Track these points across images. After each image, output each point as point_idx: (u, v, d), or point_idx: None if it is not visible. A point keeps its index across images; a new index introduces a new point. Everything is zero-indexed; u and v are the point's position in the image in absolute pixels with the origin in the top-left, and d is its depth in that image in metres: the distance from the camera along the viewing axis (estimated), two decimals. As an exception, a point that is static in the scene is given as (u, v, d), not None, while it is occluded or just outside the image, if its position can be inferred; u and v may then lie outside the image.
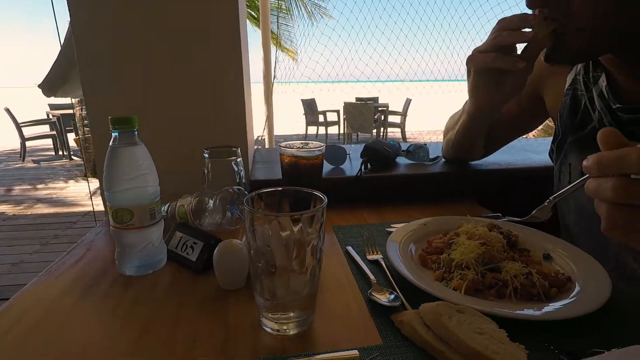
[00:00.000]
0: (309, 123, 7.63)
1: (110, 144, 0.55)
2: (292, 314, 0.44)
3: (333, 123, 7.63)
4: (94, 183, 3.77)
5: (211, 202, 0.68)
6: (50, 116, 6.55)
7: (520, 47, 0.62)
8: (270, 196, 0.46)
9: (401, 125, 7.30)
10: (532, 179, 0.95)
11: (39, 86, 2.98)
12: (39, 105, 7.56)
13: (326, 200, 0.42)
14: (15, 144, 6.50)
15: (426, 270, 0.57)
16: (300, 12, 6.65)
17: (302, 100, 7.30)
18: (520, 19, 0.58)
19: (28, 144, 6.22)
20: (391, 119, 7.44)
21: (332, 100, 6.72)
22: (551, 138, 0.76)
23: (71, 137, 5.99)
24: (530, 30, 0.58)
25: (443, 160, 1.01)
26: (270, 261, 0.41)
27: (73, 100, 3.95)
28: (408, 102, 7.24)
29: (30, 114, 6.97)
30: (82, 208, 3.85)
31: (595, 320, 0.45)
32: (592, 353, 0.38)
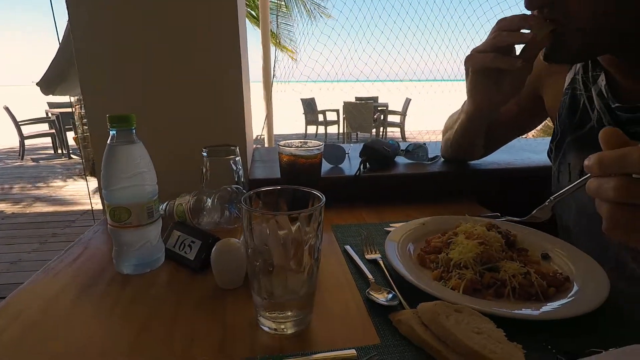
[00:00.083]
0: (308, 122, 7.63)
1: (108, 142, 0.55)
2: (289, 313, 0.44)
3: (332, 122, 7.62)
4: (93, 182, 3.77)
5: (209, 201, 0.68)
6: (50, 114, 6.54)
7: (518, 48, 0.62)
8: (268, 195, 0.46)
9: (401, 125, 7.30)
10: (531, 178, 0.95)
11: (38, 84, 2.97)
12: (38, 104, 7.55)
13: (324, 199, 0.42)
14: (14, 143, 6.49)
15: (424, 270, 0.57)
16: (300, 11, 6.64)
17: (301, 99, 7.30)
18: (520, 20, 0.58)
19: (27, 142, 6.21)
20: (391, 118, 7.44)
21: (332, 99, 6.72)
22: (550, 138, 0.76)
23: (70, 135, 5.98)
24: (529, 31, 0.58)
25: (442, 159, 1.01)
26: (267, 260, 0.41)
27: (72, 98, 3.94)
28: (407, 102, 7.24)
29: (29, 112, 6.96)
30: (81, 207, 3.85)
31: (593, 320, 0.45)
32: (590, 353, 0.38)
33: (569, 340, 0.43)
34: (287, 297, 0.43)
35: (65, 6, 0.81)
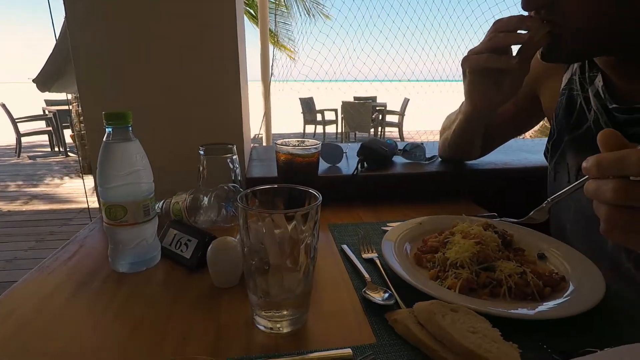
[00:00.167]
0: (307, 122, 7.62)
1: (104, 139, 0.55)
2: (285, 312, 0.44)
3: (331, 122, 7.62)
4: (90, 180, 3.75)
5: (206, 199, 0.68)
6: (47, 112, 6.51)
7: (515, 48, 0.62)
8: (264, 194, 0.45)
9: (399, 125, 7.31)
10: (528, 178, 0.95)
11: (34, 81, 2.95)
12: (35, 101, 7.51)
13: (320, 198, 0.42)
14: (11, 140, 6.46)
15: (421, 269, 0.57)
16: (299, 10, 6.63)
17: (300, 98, 7.29)
18: (517, 21, 0.58)
19: (24, 139, 6.18)
20: (389, 118, 7.45)
21: (330, 99, 6.72)
22: (547, 138, 0.76)
23: (67, 133, 5.96)
24: (525, 32, 0.58)
25: (439, 159, 1.01)
26: (263, 259, 0.41)
27: (69, 96, 3.93)
28: (406, 102, 7.24)
29: (26, 109, 6.93)
30: (78, 205, 3.83)
31: (589, 319, 0.45)
32: (585, 352, 0.38)
33: (565, 340, 0.43)
34: (283, 296, 0.43)
35: (63, 2, 0.80)
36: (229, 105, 0.88)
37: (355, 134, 7.25)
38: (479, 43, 0.64)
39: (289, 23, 6.55)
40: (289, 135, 7.54)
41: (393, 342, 0.43)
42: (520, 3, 0.56)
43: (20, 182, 4.66)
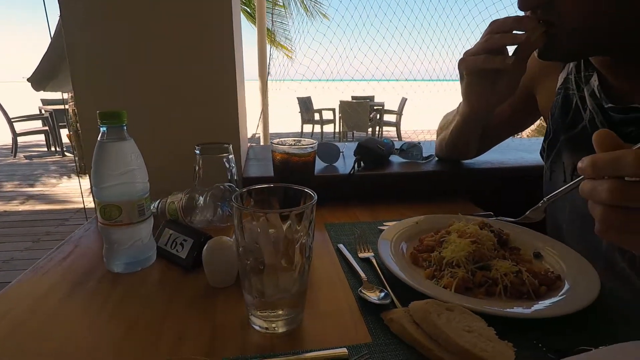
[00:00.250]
0: (304, 121, 7.62)
1: (99, 139, 0.54)
2: (281, 312, 0.44)
3: (329, 121, 7.61)
4: (86, 179, 3.74)
5: (202, 199, 0.68)
6: (43, 111, 6.47)
7: (511, 49, 0.62)
8: (259, 193, 0.45)
9: (396, 124, 7.31)
10: (525, 178, 0.95)
11: (28, 80, 2.93)
12: (31, 100, 7.47)
13: (316, 197, 0.42)
14: (7, 140, 6.42)
15: (417, 269, 0.57)
16: (298, 8, 6.62)
17: (297, 98, 7.28)
18: (514, 21, 0.58)
19: (20, 139, 6.14)
20: (387, 117, 7.45)
21: (328, 98, 6.71)
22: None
23: (64, 132, 5.93)
24: (521, 32, 0.58)
25: (436, 159, 1.01)
26: (258, 259, 0.41)
27: (66, 95, 3.91)
28: (403, 102, 7.25)
29: (22, 109, 6.89)
30: (74, 205, 3.82)
31: (583, 318, 0.46)
32: (580, 351, 0.38)
33: (560, 338, 0.43)
34: (278, 296, 0.43)
35: (57, 1, 0.80)
36: (225, 104, 0.88)
37: (353, 133, 7.25)
38: (475, 44, 0.64)
39: (286, 23, 6.54)
40: (287, 135, 7.53)
41: (389, 342, 0.43)
42: (516, 3, 0.56)
43: (17, 182, 4.64)
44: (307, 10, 6.69)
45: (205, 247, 0.53)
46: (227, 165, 0.73)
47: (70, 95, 3.82)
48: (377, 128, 7.26)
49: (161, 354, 0.42)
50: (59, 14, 0.81)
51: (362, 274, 0.55)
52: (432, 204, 0.87)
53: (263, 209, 0.44)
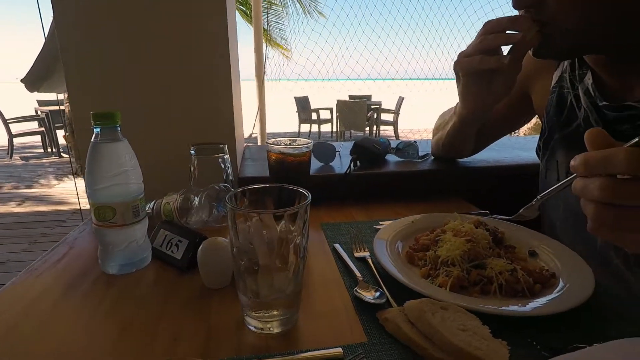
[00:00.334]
0: (302, 121, 7.61)
1: (92, 139, 0.54)
2: (275, 313, 0.43)
3: (326, 121, 7.62)
4: (82, 181, 3.72)
5: (197, 199, 0.68)
6: (39, 112, 6.44)
7: (505, 49, 0.62)
8: (254, 193, 0.45)
9: (394, 123, 7.32)
10: (521, 176, 0.95)
11: (22, 81, 2.91)
12: (27, 101, 7.43)
13: (310, 197, 0.42)
14: (3, 141, 6.39)
15: (413, 268, 0.57)
16: (295, 7, 6.61)
17: (295, 97, 7.28)
18: (507, 22, 0.58)
19: (16, 140, 6.11)
20: (384, 116, 7.45)
21: (325, 98, 6.71)
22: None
23: (60, 134, 5.90)
24: (515, 32, 0.58)
25: (432, 157, 1.01)
26: (253, 259, 0.41)
27: (59, 96, 3.88)
28: (401, 100, 7.25)
29: (18, 110, 6.85)
30: (71, 206, 3.80)
31: (578, 316, 0.46)
32: (574, 348, 0.38)
33: (554, 336, 0.44)
34: (273, 297, 0.43)
35: (50, 2, 0.79)
36: (220, 104, 0.87)
37: (350, 132, 7.25)
38: (469, 45, 0.64)
39: (282, 22, 6.53)
40: (284, 135, 7.53)
41: (384, 341, 0.43)
42: (511, 2, 0.56)
43: (13, 184, 4.61)
44: (304, 8, 6.68)
45: (200, 248, 0.53)
46: (223, 166, 0.73)
47: (66, 96, 3.80)
48: (375, 127, 7.26)
49: (156, 355, 0.41)
50: (52, 15, 0.81)
51: (358, 274, 0.55)
52: (428, 202, 0.87)
53: (257, 209, 0.44)
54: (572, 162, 0.35)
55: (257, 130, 3.46)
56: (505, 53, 0.62)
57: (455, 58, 0.67)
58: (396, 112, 7.25)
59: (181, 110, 0.87)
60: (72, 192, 4.17)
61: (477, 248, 0.55)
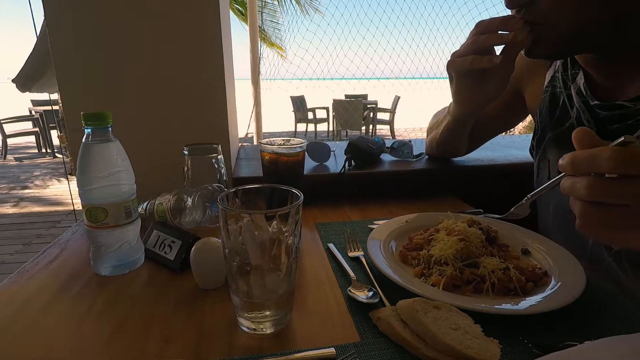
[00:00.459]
0: (298, 120, 7.61)
1: (83, 140, 0.54)
2: (268, 313, 0.43)
3: (322, 120, 7.61)
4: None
5: (190, 200, 0.67)
6: (33, 112, 6.39)
7: (498, 48, 0.62)
8: (246, 194, 0.45)
9: (390, 122, 7.33)
10: (515, 175, 0.95)
11: (13, 81, 2.88)
12: (20, 101, 7.37)
13: (302, 197, 0.42)
14: (-4, 142, 6.33)
15: (406, 267, 0.57)
16: (292, 4, 6.58)
17: (291, 97, 7.27)
18: (500, 22, 0.58)
19: (10, 141, 6.07)
20: (380, 116, 7.46)
21: (322, 97, 6.70)
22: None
23: (55, 134, 5.86)
24: (508, 33, 0.58)
25: (427, 157, 1.02)
26: (244, 260, 0.41)
27: (57, 96, 3.85)
28: (397, 100, 7.26)
29: (11, 110, 6.79)
30: (66, 207, 3.78)
31: (569, 313, 0.46)
32: (566, 346, 0.38)
33: (546, 334, 0.44)
34: (265, 297, 0.43)
35: (42, 2, 0.78)
36: (214, 104, 0.87)
37: (347, 132, 7.25)
38: (461, 45, 0.64)
39: (276, 21, 6.51)
40: (280, 134, 7.51)
41: (376, 341, 0.43)
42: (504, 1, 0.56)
43: (7, 185, 4.58)
44: (301, 5, 6.66)
45: (193, 249, 0.53)
46: (216, 166, 0.72)
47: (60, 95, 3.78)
48: (371, 126, 7.27)
49: (147, 357, 0.41)
50: (43, 15, 0.80)
51: (352, 273, 0.55)
52: (423, 201, 0.87)
53: (249, 210, 0.44)
54: (560, 161, 0.36)
55: (253, 130, 3.45)
56: (497, 53, 0.62)
57: (448, 60, 0.68)
58: (392, 112, 7.26)
59: (174, 111, 0.86)
60: (66, 192, 4.15)
61: (470, 247, 0.55)
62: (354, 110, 6.58)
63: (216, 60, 0.84)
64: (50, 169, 5.33)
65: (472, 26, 0.62)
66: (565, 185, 0.36)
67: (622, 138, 0.32)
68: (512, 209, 0.53)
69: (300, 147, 0.68)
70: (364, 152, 0.95)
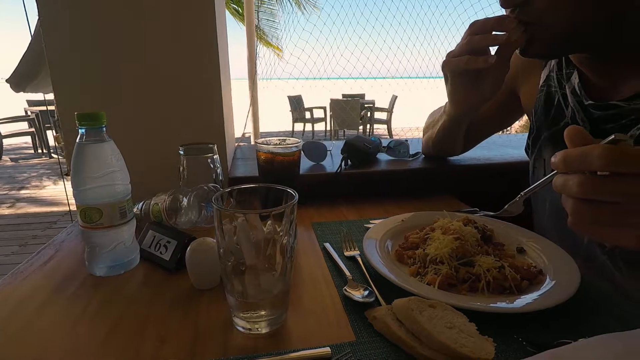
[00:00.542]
0: (295, 120, 7.60)
1: (77, 140, 0.53)
2: (263, 313, 0.43)
3: (320, 120, 7.61)
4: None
5: (185, 200, 0.67)
6: (29, 113, 6.35)
7: (492, 48, 0.62)
8: (241, 194, 0.45)
9: (387, 122, 7.33)
10: (511, 174, 0.96)
11: (7, 81, 2.86)
12: (16, 102, 7.33)
13: (297, 197, 0.42)
14: (-8, 142, 6.29)
15: (402, 266, 0.57)
16: (290, 3, 6.57)
17: (288, 96, 7.27)
18: (495, 23, 0.58)
19: (5, 141, 6.02)
20: (378, 115, 7.47)
21: (319, 96, 6.70)
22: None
23: (51, 134, 5.83)
24: (501, 33, 0.58)
25: (423, 156, 1.02)
26: (239, 260, 0.40)
27: (50, 96, 3.83)
28: (394, 99, 7.27)
29: (7, 110, 6.75)
30: (62, 207, 3.75)
31: (564, 311, 0.46)
32: (560, 344, 0.38)
33: (540, 332, 0.44)
34: (260, 297, 0.43)
35: (36, 2, 0.78)
36: (209, 103, 0.87)
37: (344, 131, 7.25)
38: (456, 45, 0.64)
39: (276, 21, 6.50)
40: (278, 134, 7.50)
41: (372, 340, 0.43)
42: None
43: (2, 185, 4.55)
44: (299, 3, 6.65)
45: (188, 249, 0.53)
46: (212, 166, 0.72)
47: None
48: (368, 126, 7.27)
49: (143, 357, 0.41)
50: (38, 14, 0.80)
51: (348, 273, 0.55)
52: (419, 201, 0.87)
53: (244, 209, 0.44)
54: (552, 159, 0.36)
55: (250, 129, 3.44)
56: (492, 53, 0.62)
57: (443, 60, 0.68)
58: (390, 111, 7.27)
59: (170, 110, 0.86)
60: (63, 193, 4.12)
61: (465, 246, 0.55)
62: (351, 109, 6.58)
63: (212, 60, 0.84)
64: (47, 170, 5.30)
65: (468, 25, 0.62)
66: (558, 183, 0.36)
67: (613, 136, 0.33)
68: (506, 206, 0.53)
69: (295, 146, 0.68)
70: (360, 151, 0.95)
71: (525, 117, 0.93)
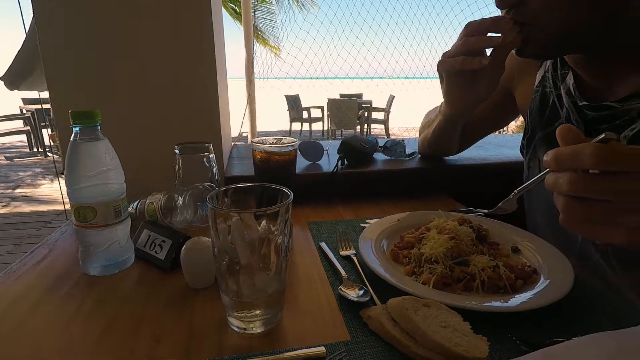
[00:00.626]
0: (293, 119, 7.60)
1: (71, 139, 0.53)
2: (258, 312, 0.43)
3: (317, 119, 7.61)
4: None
5: (181, 199, 0.67)
6: (24, 111, 6.31)
7: (489, 50, 0.62)
8: (236, 193, 0.45)
9: (385, 122, 7.34)
10: (507, 174, 0.96)
11: (1, 79, 2.84)
12: (11, 100, 7.27)
13: (291, 196, 0.42)
14: (-14, 141, 6.25)
15: (398, 266, 0.58)
16: (289, 2, 6.56)
17: (286, 96, 7.26)
18: (490, 24, 0.58)
19: (0, 140, 5.99)
20: (375, 115, 7.47)
21: (316, 96, 6.70)
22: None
23: (46, 133, 5.79)
24: (497, 35, 0.58)
25: (419, 156, 1.02)
26: (234, 259, 0.40)
27: (45, 94, 3.81)
28: (391, 99, 7.28)
29: (2, 108, 6.70)
30: (57, 207, 3.73)
31: (558, 310, 0.46)
32: (553, 342, 0.39)
33: (534, 331, 0.44)
34: (255, 296, 0.43)
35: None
36: (205, 102, 0.87)
37: (341, 131, 7.25)
38: (452, 46, 0.64)
39: (274, 20, 6.48)
40: (275, 133, 7.49)
41: (367, 339, 0.43)
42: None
43: (-3, 184, 4.52)
44: (298, 1, 6.64)
45: (183, 248, 0.53)
46: (208, 165, 0.72)
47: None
48: (365, 126, 7.28)
49: (138, 356, 0.41)
50: (32, 11, 0.79)
51: (343, 272, 0.55)
52: (415, 200, 0.87)
53: (239, 208, 0.44)
54: (545, 158, 0.37)
55: (247, 129, 3.43)
56: (488, 53, 0.62)
57: (439, 60, 0.68)
58: (387, 111, 7.27)
59: (166, 109, 0.86)
60: (58, 192, 4.10)
61: (460, 245, 0.55)
62: (349, 109, 6.59)
63: (208, 58, 0.84)
64: (42, 169, 5.27)
65: (464, 26, 0.62)
66: (549, 181, 0.37)
67: (604, 135, 0.33)
68: (500, 204, 0.53)
69: (291, 146, 0.68)
70: (356, 151, 0.95)
71: (521, 118, 0.94)
